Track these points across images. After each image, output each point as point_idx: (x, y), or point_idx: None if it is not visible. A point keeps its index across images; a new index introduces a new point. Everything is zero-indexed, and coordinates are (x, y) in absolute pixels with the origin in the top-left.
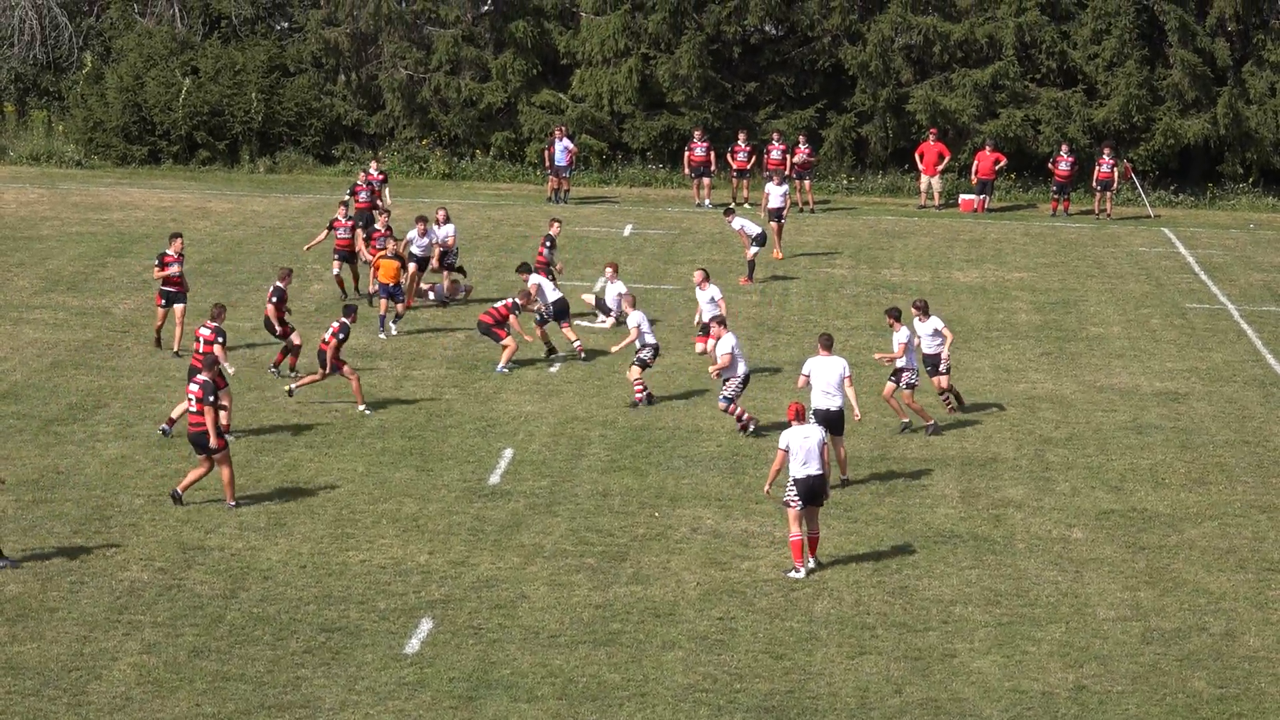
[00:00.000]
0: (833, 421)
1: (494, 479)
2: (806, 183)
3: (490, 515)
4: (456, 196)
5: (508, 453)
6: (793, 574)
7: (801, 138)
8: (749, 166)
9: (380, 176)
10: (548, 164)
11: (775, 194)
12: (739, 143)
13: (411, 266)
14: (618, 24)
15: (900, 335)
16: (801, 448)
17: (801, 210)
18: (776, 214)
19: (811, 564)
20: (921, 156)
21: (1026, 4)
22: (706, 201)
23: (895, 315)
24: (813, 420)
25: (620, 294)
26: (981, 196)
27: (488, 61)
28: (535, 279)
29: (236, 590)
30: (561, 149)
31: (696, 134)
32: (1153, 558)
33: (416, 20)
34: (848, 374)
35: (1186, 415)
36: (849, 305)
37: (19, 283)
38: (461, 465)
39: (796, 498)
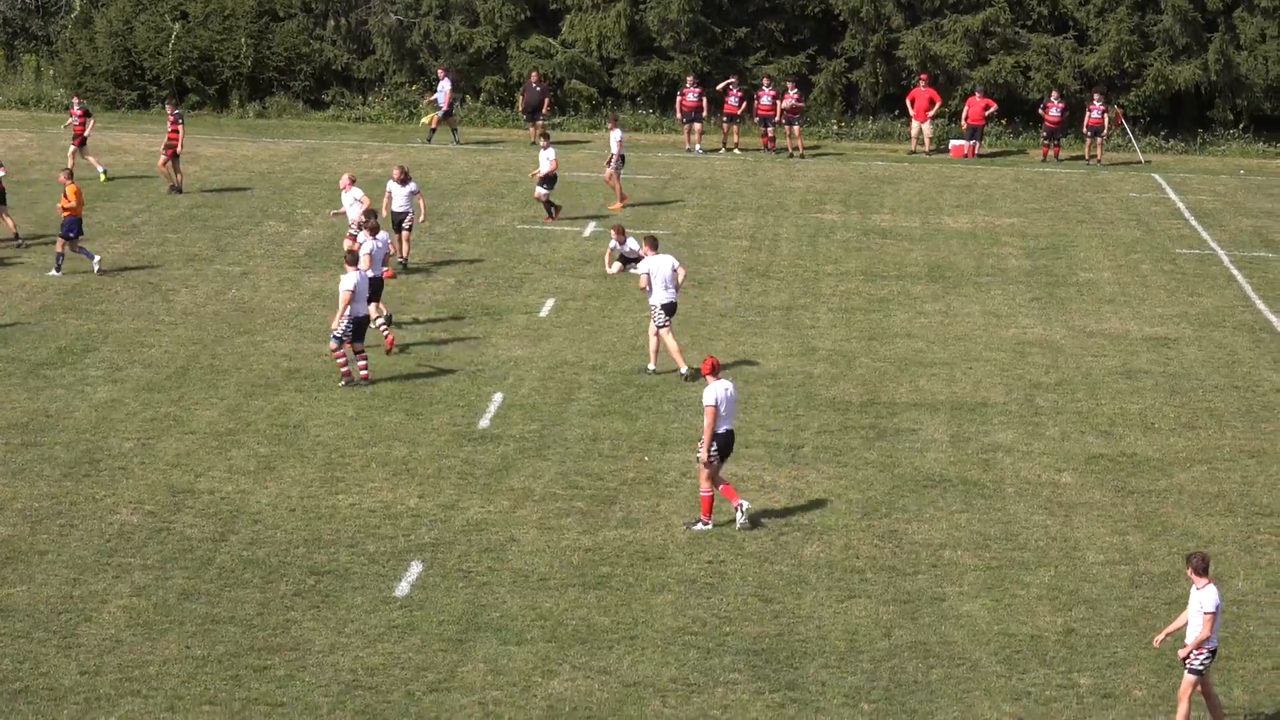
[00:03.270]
0: (673, 310)
1: (483, 423)
2: (796, 128)
3: (480, 459)
4: (446, 141)
5: (497, 397)
6: (699, 527)
7: (790, 83)
8: (740, 111)
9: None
10: (521, 108)
11: (613, 140)
12: (731, 86)
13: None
14: None
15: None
16: (727, 404)
17: (791, 156)
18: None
19: (746, 504)
20: (912, 102)
21: None
22: (698, 147)
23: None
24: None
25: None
26: (972, 142)
27: (477, 6)
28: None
29: (226, 533)
30: (441, 89)
31: (689, 79)
32: (1142, 502)
33: None
34: (678, 265)
35: (1176, 360)
36: (839, 250)
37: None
38: (451, 409)
39: (716, 453)
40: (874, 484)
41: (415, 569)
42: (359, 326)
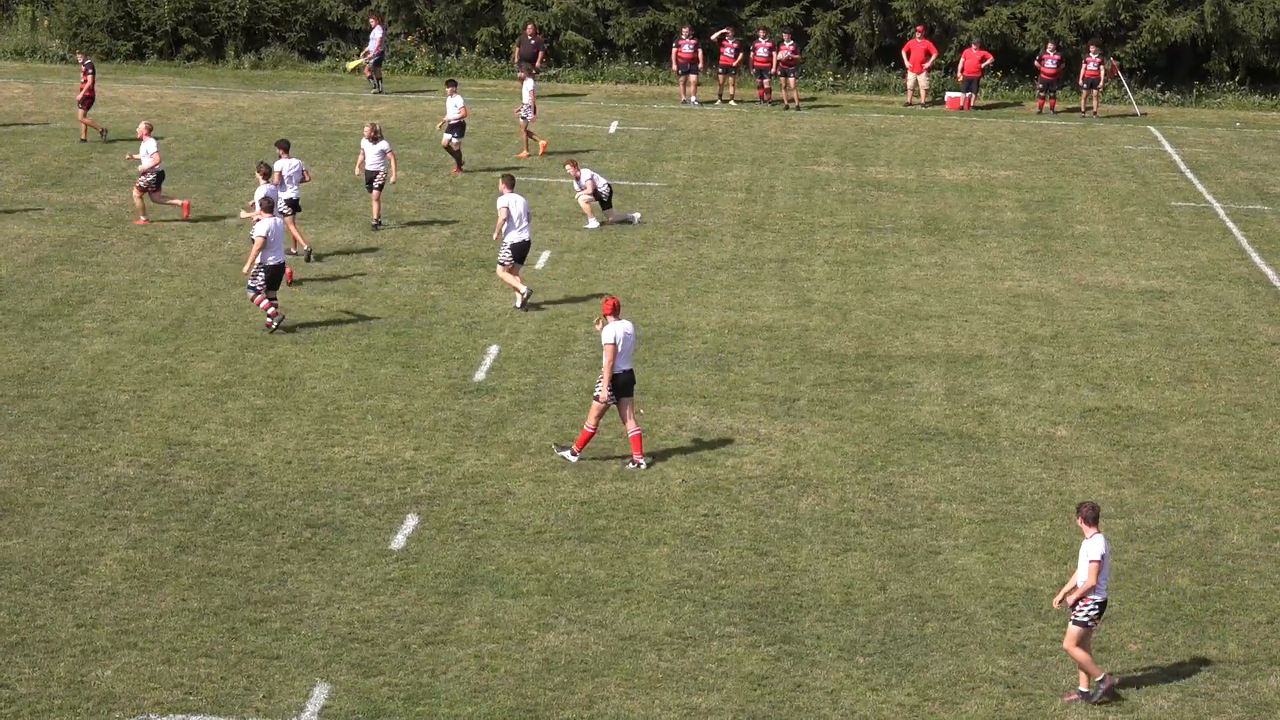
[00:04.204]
0: (524, 251)
1: (479, 375)
2: (792, 80)
3: (475, 412)
4: (443, 93)
5: (493, 349)
6: (567, 455)
7: (786, 35)
8: (735, 63)
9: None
10: (515, 60)
11: (525, 90)
12: (727, 38)
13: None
14: None
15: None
16: (625, 343)
17: (786, 108)
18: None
19: (643, 463)
20: (908, 54)
21: None
22: (693, 98)
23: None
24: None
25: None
26: (968, 94)
27: None
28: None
29: (222, 486)
30: (373, 36)
31: (684, 30)
32: (1137, 455)
33: None
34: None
35: (1171, 313)
36: (835, 203)
37: (3, 178)
38: (447, 362)
39: (611, 393)
40: (869, 437)
41: (411, 522)
42: (274, 275)
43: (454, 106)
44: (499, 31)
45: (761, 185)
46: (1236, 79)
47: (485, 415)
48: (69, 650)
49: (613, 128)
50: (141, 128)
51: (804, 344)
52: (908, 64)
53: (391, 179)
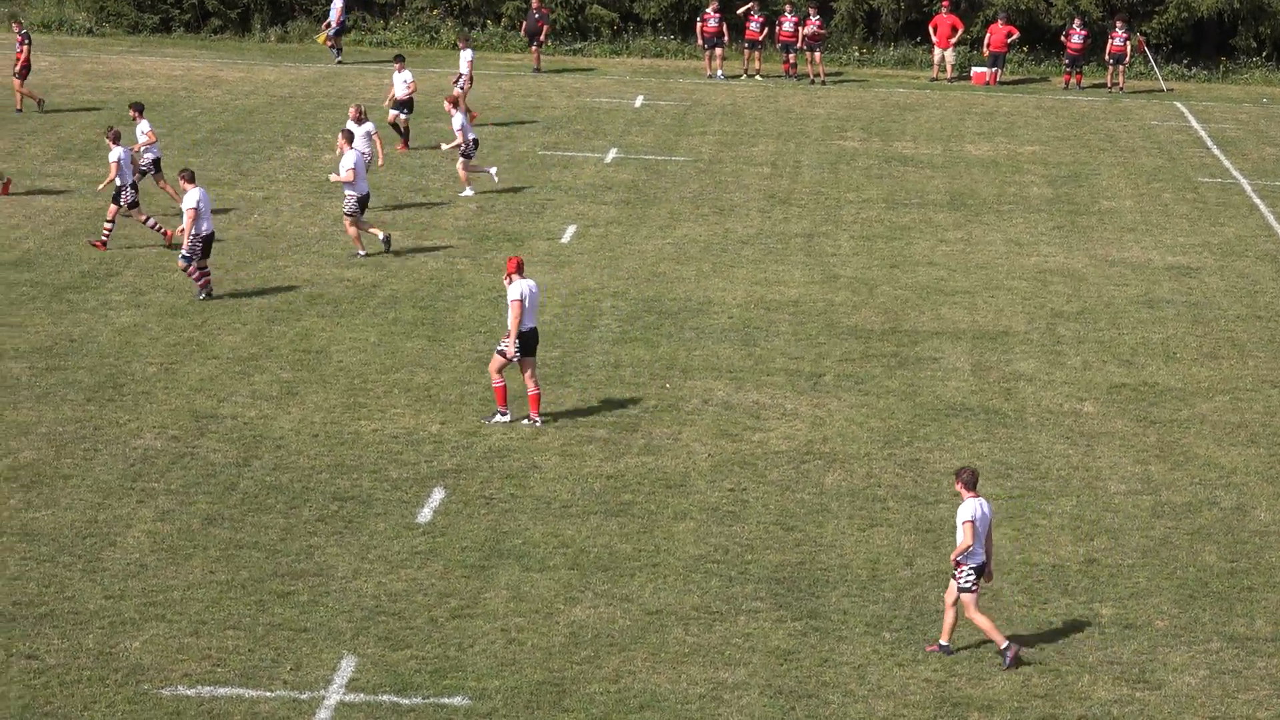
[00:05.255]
0: (366, 202)
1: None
2: (817, 55)
3: None
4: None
5: None
6: (497, 419)
7: (812, 9)
8: (761, 38)
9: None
10: (523, 32)
11: (463, 60)
12: (752, 12)
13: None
14: None
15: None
16: (531, 300)
17: (812, 82)
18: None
19: (538, 421)
20: (934, 29)
21: None
22: (719, 73)
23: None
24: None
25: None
26: (994, 69)
27: None
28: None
29: (249, 458)
30: (334, 6)
31: (710, 5)
32: (1164, 432)
33: None
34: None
35: (1198, 290)
36: (860, 178)
37: (31, 150)
38: (473, 335)
39: (516, 350)
40: (896, 412)
41: (438, 495)
42: (206, 243)
43: (402, 82)
44: (524, 5)
45: (787, 160)
46: (1263, 55)
47: (511, 389)
48: (97, 622)
49: (638, 102)
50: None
51: (830, 319)
52: (934, 39)
53: (379, 162)
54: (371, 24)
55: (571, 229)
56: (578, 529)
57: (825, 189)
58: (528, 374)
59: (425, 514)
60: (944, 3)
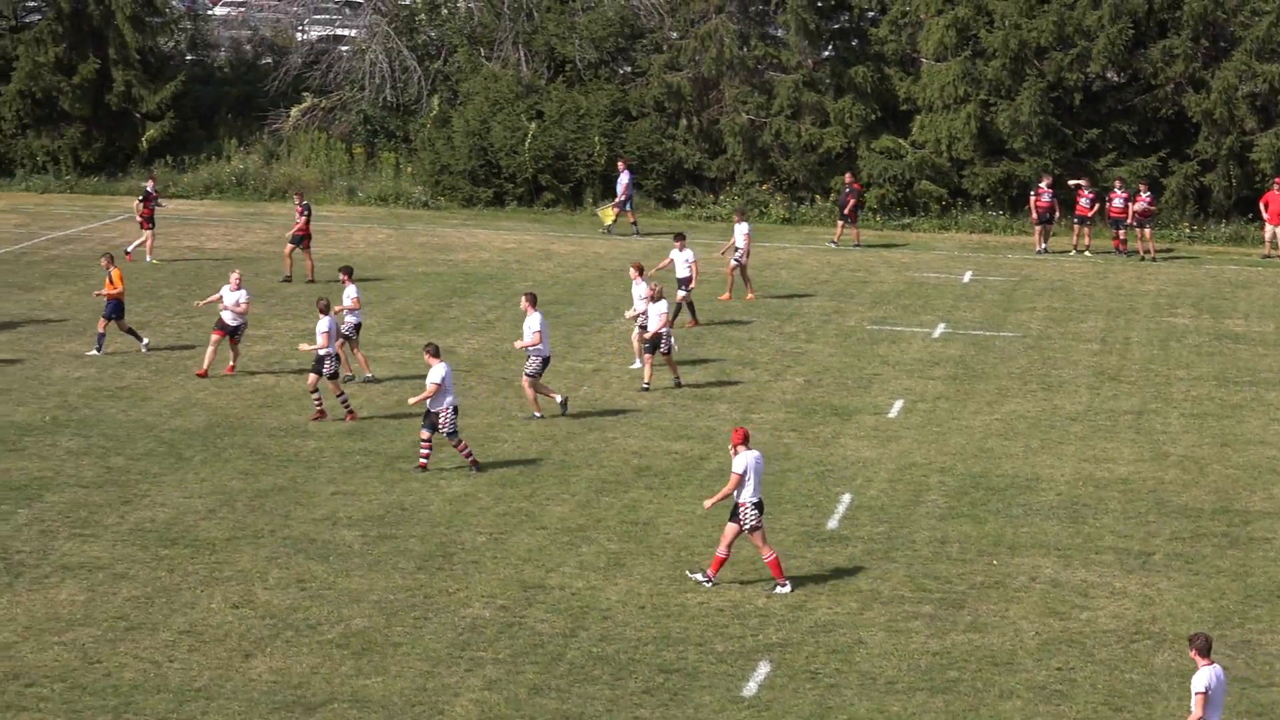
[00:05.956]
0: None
1: (832, 524)
2: (1147, 231)
3: (828, 560)
4: (796, 241)
5: (846, 497)
6: (699, 578)
7: (1143, 185)
8: (1091, 213)
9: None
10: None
11: (739, 233)
12: (1082, 187)
13: None
14: (958, 70)
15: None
16: (757, 471)
17: (1143, 259)
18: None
19: (788, 587)
20: (1266, 206)
21: None
22: (1045, 247)
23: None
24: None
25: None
26: None
27: (828, 106)
28: None
29: (576, 629)
30: (620, 181)
31: (1044, 180)
32: None
33: (758, 65)
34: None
35: None
36: (1191, 355)
37: (367, 321)
38: (800, 509)
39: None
40: (1226, 593)
41: (763, 669)
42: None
43: (684, 262)
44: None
45: (1117, 336)
46: None
47: (837, 563)
48: None
49: (967, 277)
50: (234, 278)
51: (1159, 497)
52: (1265, 215)
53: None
54: (701, 198)
55: (899, 404)
56: (903, 705)
57: (1155, 366)
58: (757, 539)
59: (750, 688)
60: (1276, 180)
